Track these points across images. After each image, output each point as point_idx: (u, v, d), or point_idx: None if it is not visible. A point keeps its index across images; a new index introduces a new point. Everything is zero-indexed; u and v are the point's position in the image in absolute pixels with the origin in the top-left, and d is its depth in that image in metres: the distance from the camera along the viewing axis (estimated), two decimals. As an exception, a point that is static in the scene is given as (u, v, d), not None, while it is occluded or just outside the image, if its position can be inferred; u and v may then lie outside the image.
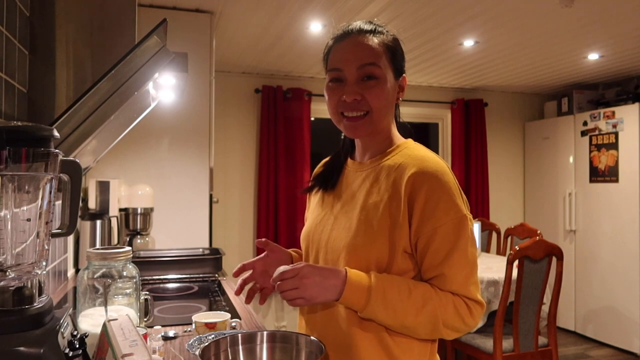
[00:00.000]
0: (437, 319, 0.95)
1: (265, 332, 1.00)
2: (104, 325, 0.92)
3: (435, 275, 0.98)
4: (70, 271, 2.42)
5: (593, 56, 3.77)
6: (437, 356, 1.08)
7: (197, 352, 1.25)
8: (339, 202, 1.11)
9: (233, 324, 1.49)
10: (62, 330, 0.84)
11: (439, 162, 1.02)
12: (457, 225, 0.97)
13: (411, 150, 1.06)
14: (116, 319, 0.93)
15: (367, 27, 1.07)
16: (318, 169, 1.25)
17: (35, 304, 0.83)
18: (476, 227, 3.72)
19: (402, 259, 1.00)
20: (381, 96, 1.03)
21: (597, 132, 4.39)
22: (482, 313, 1.00)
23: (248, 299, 1.17)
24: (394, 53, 1.07)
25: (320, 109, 4.56)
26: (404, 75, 1.10)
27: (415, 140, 1.14)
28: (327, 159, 1.24)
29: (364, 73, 1.03)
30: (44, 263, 0.88)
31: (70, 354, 0.82)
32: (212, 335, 1.37)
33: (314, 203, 1.22)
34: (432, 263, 0.98)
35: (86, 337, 0.91)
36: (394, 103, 1.09)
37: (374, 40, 1.05)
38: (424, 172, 0.99)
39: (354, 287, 0.94)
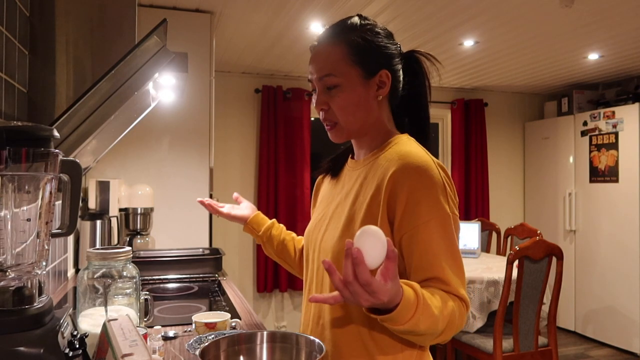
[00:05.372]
0: (454, 320, 0.91)
1: (265, 332, 1.00)
2: (104, 325, 0.92)
3: (429, 277, 0.94)
4: (70, 271, 2.42)
5: (593, 56, 3.77)
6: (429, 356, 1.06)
7: (197, 352, 1.25)
8: (336, 201, 1.11)
9: (233, 324, 1.49)
10: (62, 330, 0.84)
11: (423, 157, 0.98)
12: (441, 223, 0.93)
13: (399, 146, 1.03)
14: (116, 319, 0.93)
15: (331, 31, 1.05)
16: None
17: (35, 304, 0.83)
18: (476, 227, 3.72)
19: None
20: (344, 105, 1.02)
21: (597, 132, 4.39)
22: (468, 310, 0.97)
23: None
24: (363, 51, 1.02)
25: (320, 109, 4.56)
26: (383, 70, 1.03)
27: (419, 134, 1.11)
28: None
29: (325, 84, 1.03)
30: (44, 263, 0.88)
31: (70, 354, 0.82)
32: (212, 335, 1.37)
33: (319, 199, 1.22)
34: (421, 264, 0.93)
35: (86, 337, 0.91)
36: (371, 103, 1.04)
37: (334, 47, 1.02)
38: (406, 167, 0.96)
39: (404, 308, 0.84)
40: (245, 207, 1.43)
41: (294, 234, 1.41)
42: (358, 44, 1.02)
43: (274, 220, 1.43)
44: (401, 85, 1.09)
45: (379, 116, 1.07)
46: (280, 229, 1.40)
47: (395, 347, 0.99)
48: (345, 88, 1.02)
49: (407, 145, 1.03)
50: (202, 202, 1.41)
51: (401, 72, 1.08)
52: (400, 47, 1.10)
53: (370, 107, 1.05)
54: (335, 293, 0.80)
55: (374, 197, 0.99)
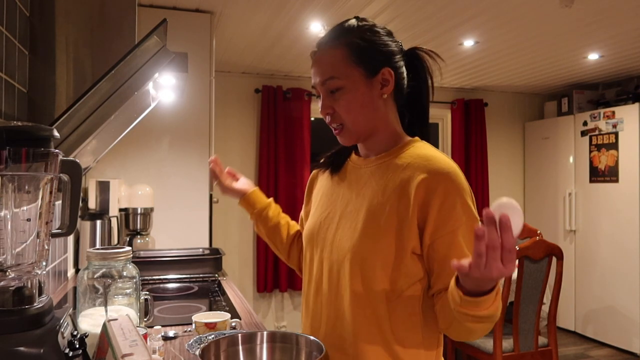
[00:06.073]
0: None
1: (265, 332, 1.00)
2: (104, 325, 0.92)
3: None
4: (70, 271, 2.42)
5: (593, 56, 3.77)
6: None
7: (197, 352, 1.25)
8: (344, 199, 1.09)
9: (233, 324, 1.49)
10: (62, 330, 0.84)
11: (449, 162, 0.99)
12: (472, 227, 0.95)
13: (419, 150, 1.03)
14: (116, 319, 0.93)
15: (330, 35, 1.06)
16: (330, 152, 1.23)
17: (35, 304, 0.83)
18: (476, 227, 3.72)
19: (412, 261, 0.97)
20: (349, 106, 1.02)
21: (597, 132, 4.39)
22: None
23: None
24: (363, 51, 1.02)
25: (320, 109, 4.56)
26: (385, 67, 1.03)
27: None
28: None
29: (328, 88, 1.03)
30: (44, 263, 0.88)
31: (70, 354, 0.82)
32: (212, 335, 1.37)
33: (318, 195, 1.20)
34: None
35: (86, 337, 0.91)
36: (376, 102, 1.04)
37: (334, 50, 1.03)
38: (436, 174, 0.97)
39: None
40: (244, 182, 1.38)
41: (288, 218, 1.37)
42: (357, 45, 1.03)
43: (271, 200, 1.38)
44: (405, 83, 1.08)
45: (385, 115, 1.07)
46: (276, 211, 1.36)
47: (419, 346, 0.99)
48: (349, 89, 1.02)
49: (428, 150, 1.03)
50: (213, 161, 1.36)
51: (404, 69, 1.08)
52: (401, 44, 1.10)
53: (376, 106, 1.05)
54: (467, 261, 0.79)
55: (401, 201, 0.98)
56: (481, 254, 0.75)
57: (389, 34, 1.08)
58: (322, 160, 1.23)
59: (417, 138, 1.09)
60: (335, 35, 1.05)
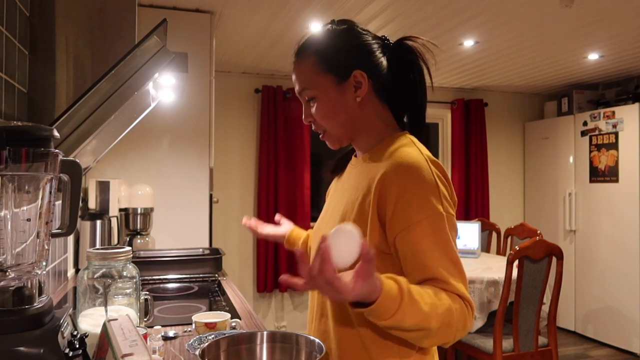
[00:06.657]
0: (451, 319, 0.87)
1: (265, 332, 1.00)
2: (104, 325, 0.92)
3: (426, 278, 0.90)
4: (70, 271, 2.42)
5: (593, 56, 3.77)
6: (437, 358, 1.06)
7: (197, 352, 1.25)
8: (337, 200, 1.12)
9: (233, 324, 1.49)
10: (62, 330, 0.84)
11: (414, 156, 0.95)
12: (432, 223, 0.91)
13: (394, 144, 1.01)
14: (116, 319, 0.93)
15: (302, 45, 1.06)
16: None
17: (35, 304, 0.83)
18: (476, 227, 3.72)
19: (381, 261, 0.94)
20: (324, 114, 1.04)
21: (597, 132, 4.39)
22: (474, 313, 0.93)
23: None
24: (330, 58, 1.02)
25: (320, 109, 4.56)
26: (356, 70, 1.01)
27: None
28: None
29: (304, 98, 1.06)
30: (44, 263, 0.88)
31: (70, 354, 0.82)
32: (212, 335, 1.37)
33: (328, 195, 1.24)
34: (415, 266, 0.91)
35: (86, 337, 0.91)
36: (351, 106, 1.03)
37: (304, 61, 1.05)
38: (395, 167, 0.94)
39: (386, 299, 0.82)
40: (284, 227, 1.47)
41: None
42: (324, 53, 1.03)
43: (305, 235, 1.42)
44: (387, 77, 1.05)
45: (365, 116, 1.05)
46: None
47: (392, 348, 0.97)
48: (321, 98, 1.03)
49: (400, 143, 1.01)
50: (247, 224, 1.47)
51: (384, 64, 1.05)
52: (385, 38, 1.08)
53: (352, 109, 1.04)
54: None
55: (365, 197, 0.98)
56: (306, 280, 0.78)
57: (366, 32, 1.07)
58: (330, 165, 1.25)
59: (404, 133, 1.06)
60: (306, 44, 1.06)
